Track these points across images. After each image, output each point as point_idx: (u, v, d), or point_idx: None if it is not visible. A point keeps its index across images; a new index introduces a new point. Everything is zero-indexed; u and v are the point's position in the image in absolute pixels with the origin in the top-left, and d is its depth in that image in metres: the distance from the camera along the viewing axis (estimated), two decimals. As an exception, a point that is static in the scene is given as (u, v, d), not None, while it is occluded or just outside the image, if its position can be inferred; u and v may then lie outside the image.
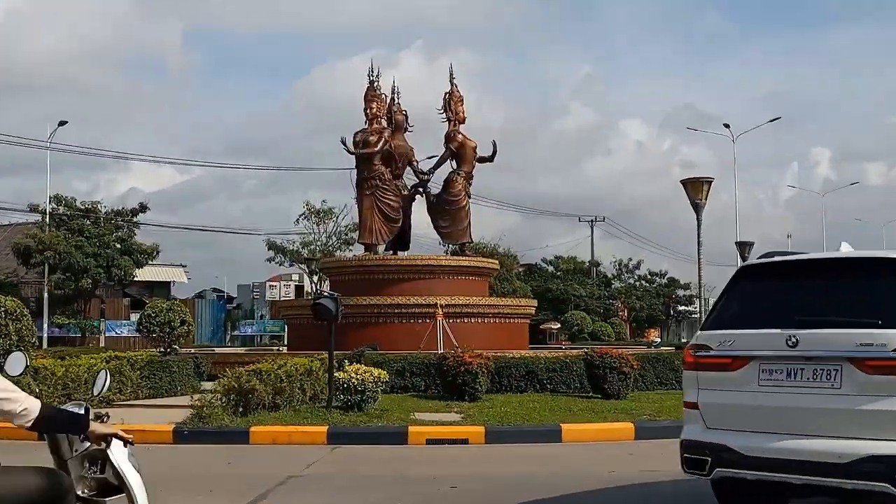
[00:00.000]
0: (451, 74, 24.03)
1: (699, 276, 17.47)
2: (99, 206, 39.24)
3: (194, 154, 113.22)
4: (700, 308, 17.90)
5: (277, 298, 50.15)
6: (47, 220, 38.03)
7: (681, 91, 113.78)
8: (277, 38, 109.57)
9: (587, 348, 18.02)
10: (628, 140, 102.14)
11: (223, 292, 58.66)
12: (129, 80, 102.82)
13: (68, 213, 38.31)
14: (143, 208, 39.28)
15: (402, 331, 20.73)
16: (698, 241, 17.30)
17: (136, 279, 41.51)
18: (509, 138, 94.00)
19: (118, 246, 38.45)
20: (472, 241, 25.01)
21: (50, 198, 38.19)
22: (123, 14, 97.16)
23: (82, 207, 38.63)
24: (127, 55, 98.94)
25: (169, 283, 51.29)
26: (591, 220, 61.31)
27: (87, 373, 14.37)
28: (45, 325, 37.50)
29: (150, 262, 41.53)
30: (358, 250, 31.11)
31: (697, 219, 17.21)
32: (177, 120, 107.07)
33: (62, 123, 38.64)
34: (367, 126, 22.95)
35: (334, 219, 45.55)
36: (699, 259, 17.37)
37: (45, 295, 38.01)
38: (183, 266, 52.27)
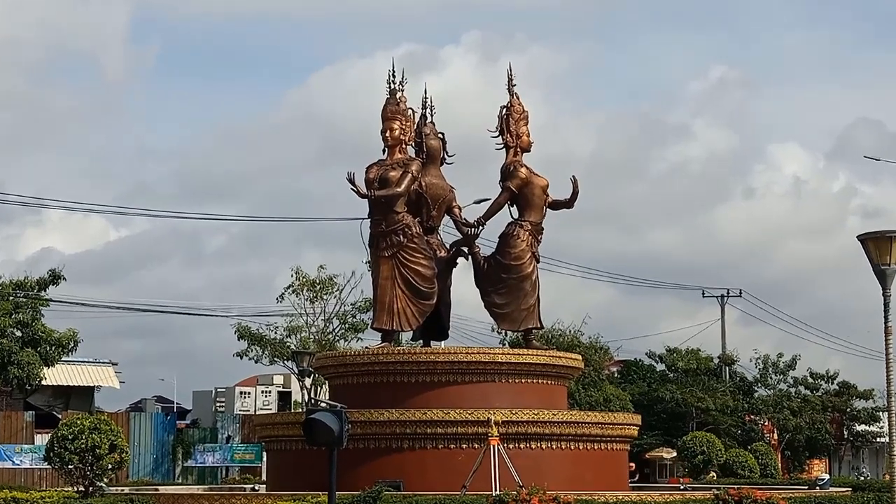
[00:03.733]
0: (511, 79, 24.23)
1: (888, 379, 17.21)
2: (-8, 275, 39.77)
3: (137, 197, 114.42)
4: (890, 428, 17.53)
5: (252, 411, 50.13)
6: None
7: (859, 101, 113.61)
8: (265, 27, 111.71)
9: (718, 488, 17.73)
10: (780, 175, 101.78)
11: (172, 402, 58.81)
12: (43, 87, 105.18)
13: (-53, 285, 38.80)
14: (55, 278, 39.71)
15: (437, 461, 20.60)
16: (886, 328, 17.07)
17: (44, 383, 41.78)
18: (601, 173, 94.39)
19: (18, 334, 38.83)
20: (541, 327, 24.88)
21: (-78, 263, 38.80)
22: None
23: (-33, 277, 39.17)
24: (42, 50, 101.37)
25: (92, 388, 51.57)
26: (722, 296, 60.84)
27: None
28: (-89, 452, 37.75)
29: (65, 359, 41.81)
30: (372, 340, 31.12)
31: (884, 294, 17.01)
32: (114, 146, 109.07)
33: (-58, 155, 39.47)
34: (385, 156, 23.15)
35: (337, 293, 45.68)
36: (887, 354, 17.12)
37: (-88, 406, 38.35)
38: (113, 364, 52.55)
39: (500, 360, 22.47)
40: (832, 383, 57.69)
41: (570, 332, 45.82)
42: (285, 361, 46.10)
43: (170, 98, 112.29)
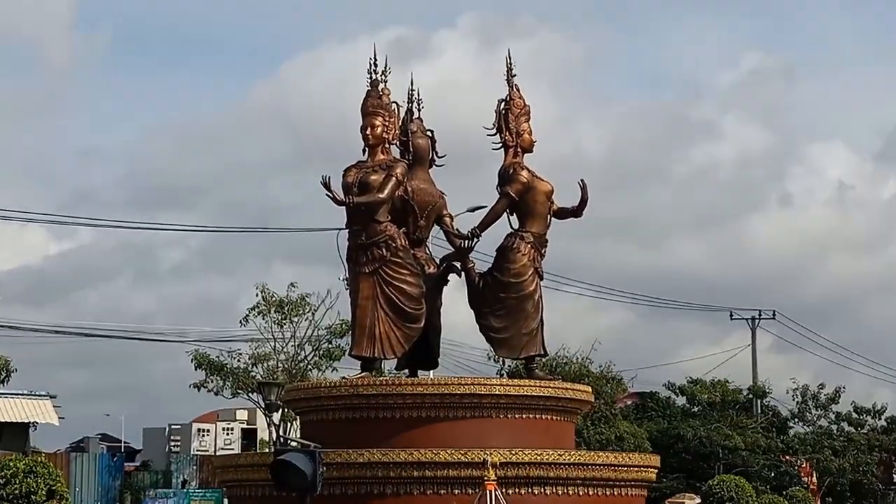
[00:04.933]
0: (510, 68, 24.26)
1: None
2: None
3: (81, 205, 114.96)
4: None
5: (212, 452, 50.07)
6: None
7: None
8: (230, 9, 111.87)
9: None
10: (822, 180, 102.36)
11: (119, 441, 58.76)
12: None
13: None
14: (-16, 298, 39.67)
15: (425, 509, 20.64)
16: (940, 354, 17.14)
17: (-29, 419, 41.71)
18: (615, 177, 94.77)
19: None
20: (545, 354, 24.85)
21: None
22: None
23: None
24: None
25: (27, 425, 51.48)
26: (754, 318, 61.17)
27: None
28: None
29: (-5, 391, 41.76)
30: (351, 369, 31.12)
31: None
32: (55, 146, 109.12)
33: None
34: (366, 157, 23.17)
35: (309, 315, 45.70)
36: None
37: None
38: (52, 397, 52.51)
39: (497, 393, 22.43)
40: (879, 419, 57.77)
41: (577, 359, 45.91)
42: (250, 394, 46.14)
43: (120, 92, 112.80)
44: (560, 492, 21.21)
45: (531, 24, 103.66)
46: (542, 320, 23.74)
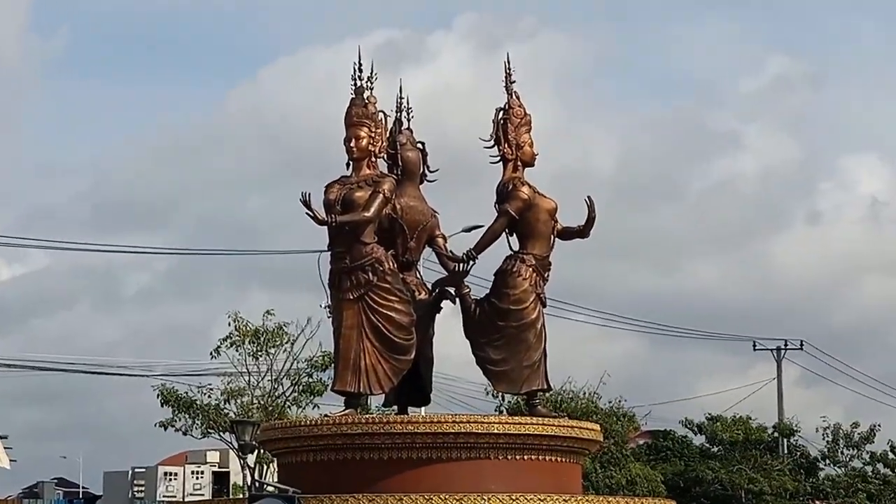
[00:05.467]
0: (509, 74, 24.24)
1: None
2: None
3: (36, 225, 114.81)
4: None
5: (180, 497, 49.90)
6: None
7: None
8: (202, 9, 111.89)
9: None
10: (854, 195, 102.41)
11: (77, 486, 58.57)
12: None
13: None
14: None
15: (417, 561, 20.47)
16: None
17: (-86, 462, 41.61)
18: (626, 192, 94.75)
19: None
20: (549, 389, 24.79)
21: None
22: None
23: None
24: None
25: (-25, 468, 51.44)
26: (779, 349, 61.09)
27: None
28: None
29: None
30: (334, 406, 30.99)
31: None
32: (7, 161, 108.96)
33: None
34: (350, 172, 23.12)
35: (288, 346, 45.61)
36: None
37: None
38: (2, 437, 52.47)
39: (496, 432, 22.34)
40: (918, 459, 57.78)
41: (585, 394, 45.87)
42: (222, 433, 46.04)
43: (80, 101, 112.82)
44: (566, 541, 21.16)
45: (533, 25, 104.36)
46: (544, 351, 23.66)
